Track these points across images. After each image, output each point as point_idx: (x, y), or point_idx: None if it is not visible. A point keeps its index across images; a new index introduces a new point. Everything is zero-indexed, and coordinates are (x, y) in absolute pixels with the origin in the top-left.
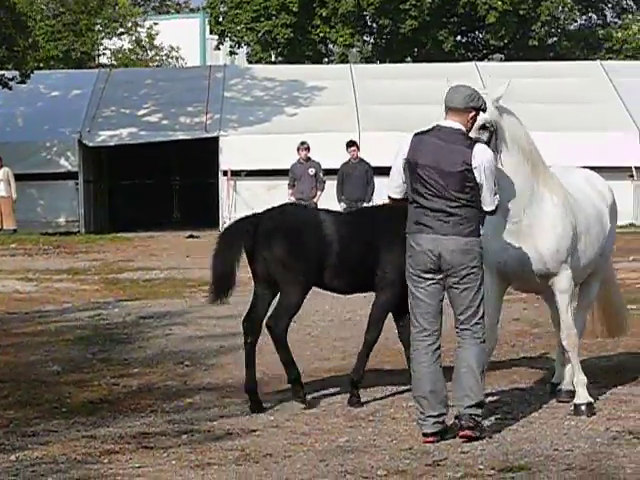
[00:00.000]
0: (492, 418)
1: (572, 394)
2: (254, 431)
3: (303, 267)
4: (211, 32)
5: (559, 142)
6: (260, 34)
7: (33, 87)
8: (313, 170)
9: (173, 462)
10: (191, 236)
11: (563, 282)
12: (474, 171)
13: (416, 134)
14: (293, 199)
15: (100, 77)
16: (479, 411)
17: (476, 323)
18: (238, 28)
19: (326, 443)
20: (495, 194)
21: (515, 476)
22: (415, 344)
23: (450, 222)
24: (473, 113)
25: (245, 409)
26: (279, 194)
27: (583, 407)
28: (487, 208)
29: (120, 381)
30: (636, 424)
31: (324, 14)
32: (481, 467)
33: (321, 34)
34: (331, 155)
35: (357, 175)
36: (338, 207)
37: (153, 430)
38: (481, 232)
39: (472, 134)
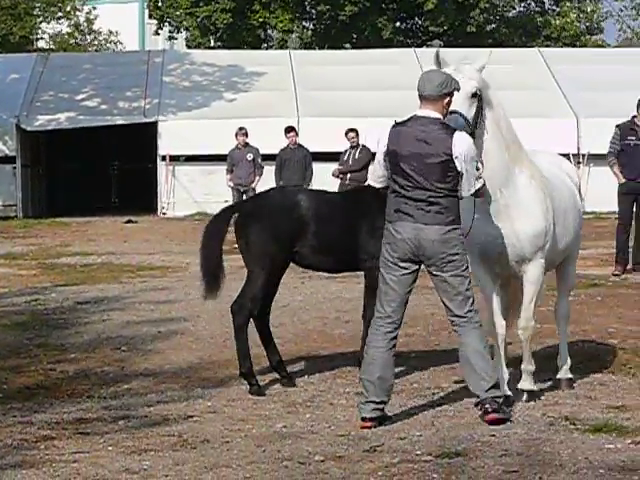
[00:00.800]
0: (430, 405)
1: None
2: (191, 417)
3: (269, 251)
4: (150, 17)
5: None
6: (199, 19)
7: None
8: (251, 155)
9: (110, 448)
10: (129, 221)
11: (534, 272)
12: (455, 160)
13: (394, 125)
14: (231, 184)
15: (38, 61)
16: (498, 392)
17: (469, 310)
18: (177, 13)
19: (264, 429)
20: (478, 178)
21: (452, 462)
22: (375, 328)
23: (431, 211)
24: (448, 99)
25: (182, 395)
26: (218, 179)
27: (525, 393)
28: (464, 194)
29: (57, 366)
30: (572, 410)
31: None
32: (418, 453)
33: (260, 19)
34: (270, 141)
35: (295, 160)
36: None
37: (90, 416)
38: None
39: (465, 103)
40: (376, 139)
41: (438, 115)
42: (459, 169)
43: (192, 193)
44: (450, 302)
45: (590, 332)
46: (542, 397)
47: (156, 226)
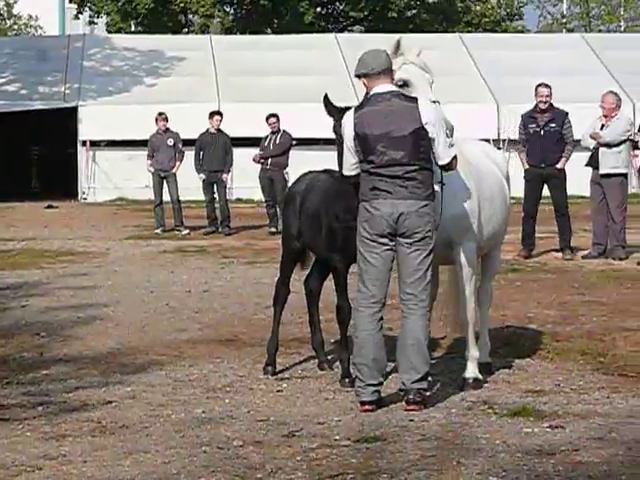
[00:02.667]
0: (349, 389)
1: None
2: (110, 402)
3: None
4: (70, 1)
5: None
6: (120, 4)
7: None
8: (172, 141)
9: (28, 434)
10: (50, 206)
11: (465, 254)
12: (426, 127)
13: (356, 108)
14: (152, 170)
15: None
16: (425, 384)
17: (423, 290)
18: None
19: (183, 414)
20: (450, 145)
21: (370, 447)
22: (360, 310)
23: (408, 187)
24: (393, 72)
25: (101, 380)
26: (138, 164)
27: (470, 381)
28: (442, 162)
29: None
30: (491, 394)
31: None
32: (337, 438)
33: (181, 4)
34: (191, 126)
35: (216, 145)
36: (197, 177)
37: (8, 402)
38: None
39: (428, 86)
40: (341, 128)
41: (394, 88)
42: (431, 135)
43: (113, 178)
44: (408, 278)
45: (509, 317)
46: (460, 381)
47: (77, 211)
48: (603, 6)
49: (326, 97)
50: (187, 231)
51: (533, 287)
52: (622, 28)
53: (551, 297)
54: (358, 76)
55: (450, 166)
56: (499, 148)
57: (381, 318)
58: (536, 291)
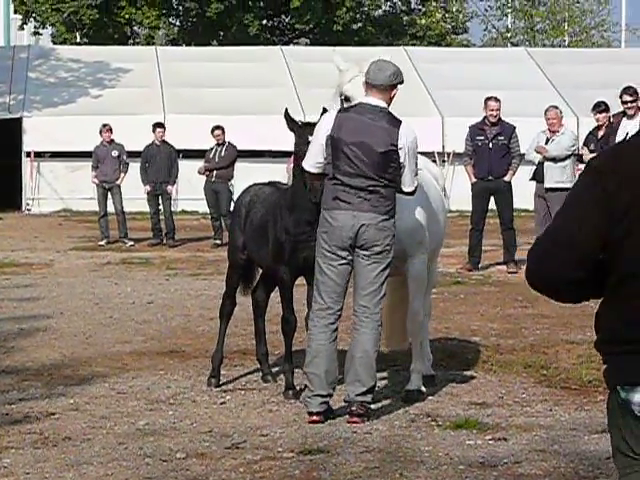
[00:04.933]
0: (293, 401)
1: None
2: (53, 414)
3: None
4: (15, 12)
5: None
6: (65, 15)
7: None
8: (116, 152)
9: None
10: None
11: (417, 267)
12: (399, 152)
13: (339, 111)
14: (96, 181)
15: None
16: (369, 397)
17: (377, 303)
18: (43, 8)
19: (126, 426)
20: (415, 175)
21: (314, 458)
22: (315, 321)
23: (370, 200)
24: (395, 90)
25: (44, 392)
26: (83, 176)
27: (414, 394)
28: (407, 189)
29: None
30: (434, 407)
31: None
32: (280, 450)
33: (127, 16)
34: (136, 138)
35: (161, 157)
36: (142, 189)
37: None
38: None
39: (336, 104)
40: (318, 125)
41: (385, 105)
42: (402, 160)
43: (57, 190)
44: (363, 290)
45: (452, 329)
46: (402, 393)
47: (20, 223)
48: (547, 21)
49: (287, 112)
50: (132, 243)
51: (477, 300)
52: (566, 43)
53: (495, 310)
54: None
55: (412, 194)
56: (444, 161)
57: (335, 329)
58: (480, 304)
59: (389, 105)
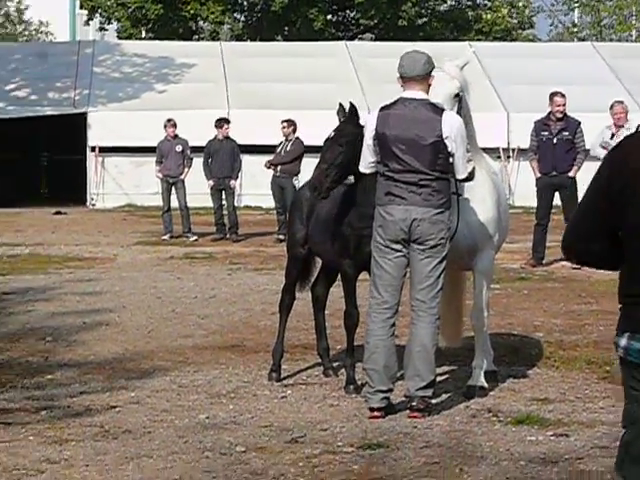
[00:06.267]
0: (354, 396)
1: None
2: (114, 407)
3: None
4: (81, 7)
5: None
6: (131, 10)
7: None
8: (180, 147)
9: (31, 438)
10: (58, 212)
11: (485, 261)
12: (446, 141)
13: (382, 108)
14: (160, 176)
15: None
16: (430, 392)
17: (433, 297)
18: (109, 4)
19: (186, 420)
20: (469, 160)
21: (373, 453)
22: (373, 316)
23: (422, 193)
24: (431, 78)
25: (106, 385)
26: (147, 171)
27: (476, 389)
28: (460, 176)
29: None
30: (495, 402)
31: None
32: (340, 444)
33: (192, 11)
34: (200, 132)
35: (224, 152)
36: (206, 184)
37: (12, 406)
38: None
39: (447, 104)
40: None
41: (425, 96)
42: (450, 149)
43: (121, 185)
44: (419, 284)
45: (515, 325)
46: (464, 389)
47: (85, 217)
48: (614, 15)
49: (341, 107)
50: (195, 237)
51: (540, 296)
52: (633, 37)
53: (558, 306)
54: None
55: (467, 179)
56: (509, 157)
57: (393, 324)
58: (543, 300)
59: (429, 94)
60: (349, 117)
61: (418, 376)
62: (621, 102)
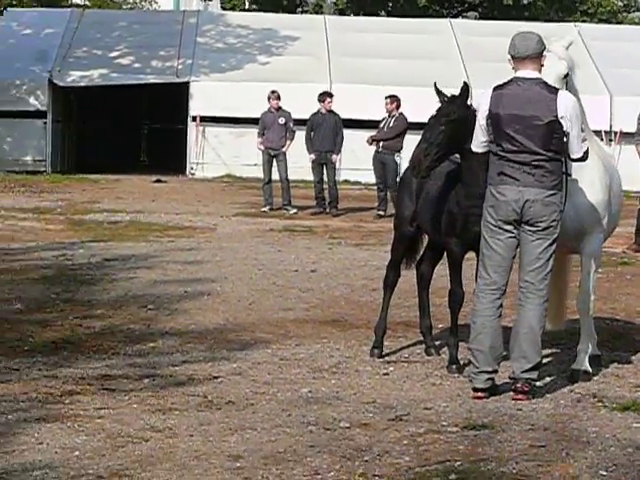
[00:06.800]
0: (456, 376)
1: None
2: (216, 378)
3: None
4: None
5: None
6: None
7: (5, 25)
8: (283, 119)
9: (134, 406)
10: (158, 180)
11: (594, 245)
12: (561, 121)
13: (495, 88)
14: (262, 148)
15: (73, 17)
16: (535, 374)
17: (542, 279)
18: None
19: (289, 393)
20: (584, 140)
21: (478, 434)
22: (480, 297)
23: (535, 174)
24: (544, 58)
25: (207, 355)
26: (247, 142)
27: (580, 373)
28: (575, 155)
29: (83, 322)
30: (600, 387)
31: None
32: (444, 424)
33: None
34: (301, 106)
35: (326, 126)
36: (307, 158)
37: (115, 373)
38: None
39: (557, 85)
40: (475, 103)
41: (539, 75)
42: (565, 129)
43: (221, 155)
44: (528, 266)
45: (618, 310)
46: (569, 372)
47: (184, 186)
48: None
49: (436, 86)
50: (295, 210)
51: None
52: None
53: None
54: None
55: (582, 159)
56: (611, 140)
57: (501, 305)
58: None
59: (542, 74)
60: (456, 97)
61: (524, 358)
62: None
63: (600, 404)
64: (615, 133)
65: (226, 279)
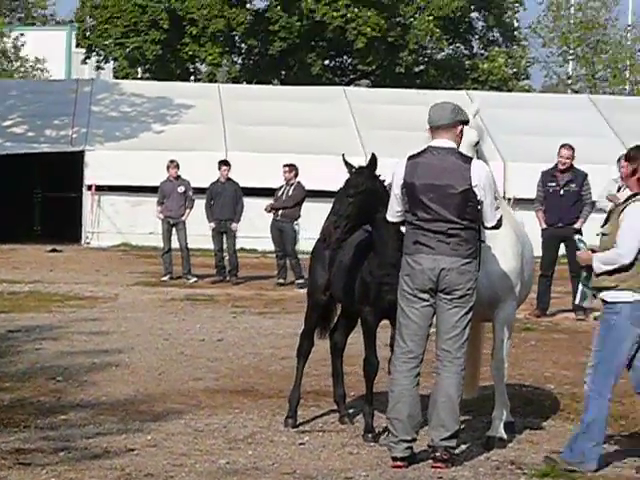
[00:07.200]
0: (372, 444)
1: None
2: (132, 450)
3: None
4: (77, 46)
5: None
6: (129, 49)
7: None
8: (182, 188)
9: None
10: (54, 250)
11: (506, 313)
12: (475, 190)
13: (410, 157)
14: (161, 216)
15: None
16: (454, 442)
17: (459, 347)
18: (106, 43)
19: (207, 464)
20: (497, 208)
21: None
22: (397, 365)
23: (450, 243)
24: (460, 127)
25: (121, 427)
26: (143, 210)
27: (496, 440)
28: (488, 224)
29: None
30: (516, 454)
31: (194, 32)
32: None
33: (190, 52)
34: (198, 174)
35: (226, 195)
36: (208, 226)
37: (28, 446)
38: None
39: (468, 152)
40: (390, 173)
41: (453, 144)
42: (479, 198)
43: (117, 224)
44: (445, 334)
45: (527, 376)
46: (483, 439)
47: (80, 256)
48: (609, 69)
49: (344, 158)
50: (195, 279)
51: (548, 347)
52: (627, 91)
53: (566, 357)
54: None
55: (495, 227)
56: None
57: (418, 374)
58: (551, 351)
59: (458, 145)
60: (364, 168)
61: (442, 426)
62: None
63: (519, 471)
64: (509, 199)
65: (133, 349)
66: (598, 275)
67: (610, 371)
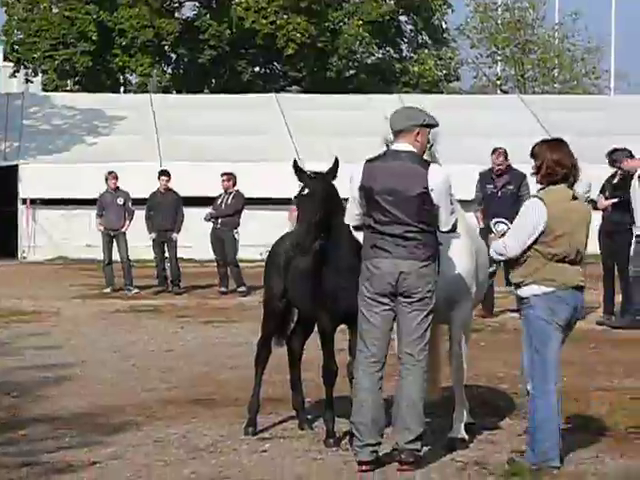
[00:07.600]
0: (334, 449)
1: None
2: (95, 463)
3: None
4: (5, 59)
5: None
6: (58, 62)
7: None
8: (122, 200)
9: None
10: None
11: (463, 314)
12: (431, 193)
13: (368, 161)
14: (101, 228)
15: None
16: (419, 445)
17: (421, 350)
18: (35, 56)
19: (173, 474)
20: (452, 213)
21: None
22: (361, 370)
23: (407, 246)
24: (416, 131)
25: (81, 441)
26: (79, 223)
27: (458, 441)
28: (444, 228)
29: None
30: (480, 454)
31: (123, 43)
32: None
33: (120, 63)
34: (133, 185)
35: (166, 205)
36: (148, 237)
37: None
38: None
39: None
40: (349, 177)
41: (411, 148)
42: (435, 202)
43: (53, 237)
44: (406, 338)
45: (480, 376)
46: (444, 441)
47: (17, 270)
48: (538, 68)
49: (295, 163)
50: (136, 290)
51: (497, 347)
52: (557, 91)
53: (516, 357)
54: None
55: (450, 231)
56: None
57: (381, 378)
58: (501, 351)
59: (419, 149)
60: (327, 173)
61: (407, 429)
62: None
63: (485, 471)
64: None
65: (84, 362)
66: (508, 271)
67: (545, 365)
